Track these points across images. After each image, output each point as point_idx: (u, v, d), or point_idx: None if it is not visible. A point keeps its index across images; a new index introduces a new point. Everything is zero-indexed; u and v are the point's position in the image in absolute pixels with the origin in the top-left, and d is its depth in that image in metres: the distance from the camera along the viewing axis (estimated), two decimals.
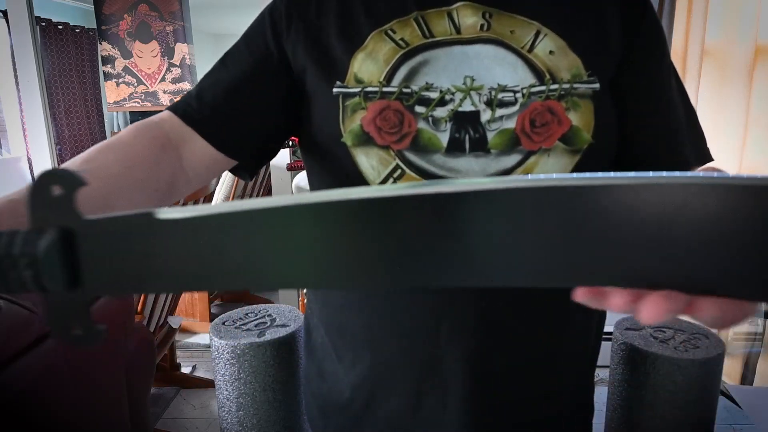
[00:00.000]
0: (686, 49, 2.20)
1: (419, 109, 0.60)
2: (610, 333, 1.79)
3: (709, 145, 0.69)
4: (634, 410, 1.69)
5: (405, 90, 0.60)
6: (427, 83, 0.60)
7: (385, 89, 0.60)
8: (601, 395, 1.91)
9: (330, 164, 0.64)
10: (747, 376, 2.47)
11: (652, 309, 0.25)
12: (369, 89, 0.61)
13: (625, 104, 0.64)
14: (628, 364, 1.68)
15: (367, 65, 0.61)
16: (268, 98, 0.66)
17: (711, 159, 0.68)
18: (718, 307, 0.24)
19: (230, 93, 0.65)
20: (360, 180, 0.61)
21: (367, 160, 0.61)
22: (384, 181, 0.60)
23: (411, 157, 0.60)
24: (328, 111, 0.62)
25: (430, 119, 0.60)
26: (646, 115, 0.65)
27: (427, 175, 0.60)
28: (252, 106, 0.66)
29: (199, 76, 5.20)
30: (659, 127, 0.66)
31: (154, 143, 0.60)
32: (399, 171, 0.60)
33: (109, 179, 0.52)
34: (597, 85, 0.61)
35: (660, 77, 0.66)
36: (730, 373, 2.46)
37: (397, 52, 0.61)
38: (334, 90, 0.62)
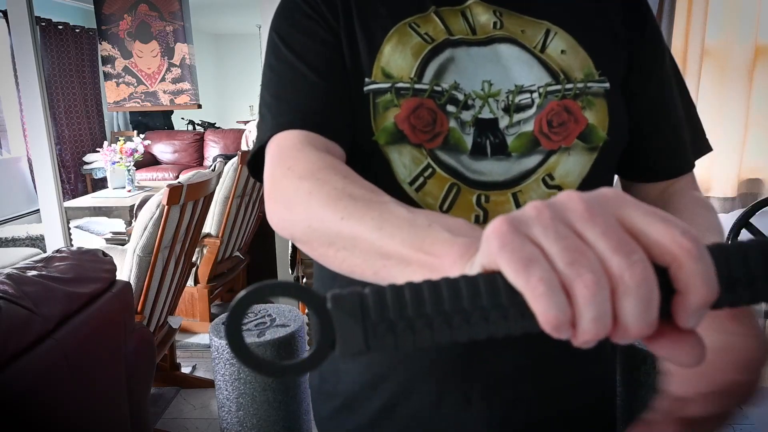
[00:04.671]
0: (686, 49, 2.20)
1: (450, 108, 0.60)
2: None
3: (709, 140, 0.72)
4: (634, 410, 1.69)
5: (436, 88, 0.60)
6: (455, 82, 0.60)
7: (416, 86, 0.60)
8: None
9: (357, 162, 0.62)
10: None
11: None
12: (400, 85, 0.60)
13: (632, 105, 0.66)
14: (628, 364, 1.68)
15: (396, 58, 0.61)
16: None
17: (709, 149, 0.71)
18: None
19: (329, 91, 0.61)
20: (390, 178, 0.60)
21: (400, 159, 0.60)
22: (414, 180, 0.60)
23: (442, 156, 0.60)
24: (357, 108, 0.61)
25: (458, 120, 0.60)
26: (650, 116, 0.67)
27: (456, 174, 0.60)
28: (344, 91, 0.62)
29: (200, 76, 5.11)
30: (661, 128, 0.68)
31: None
32: (430, 170, 0.60)
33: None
34: (607, 84, 0.62)
35: (663, 79, 0.68)
36: None
37: (425, 47, 0.61)
38: (365, 88, 0.61)
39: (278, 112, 0.59)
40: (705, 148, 0.70)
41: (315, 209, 0.46)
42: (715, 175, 2.31)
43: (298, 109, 0.58)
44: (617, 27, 0.65)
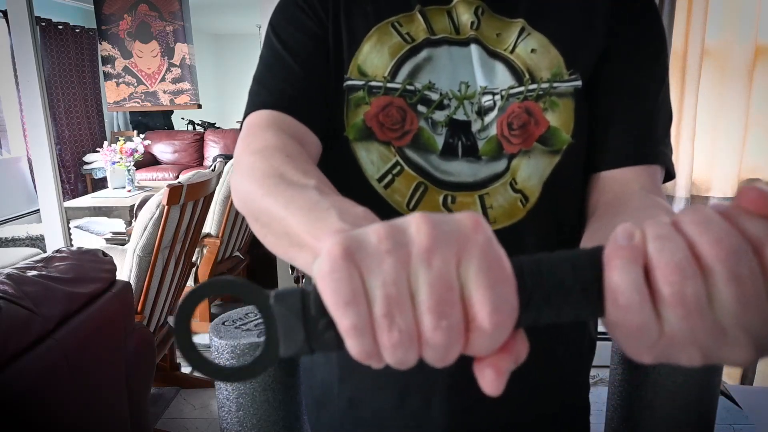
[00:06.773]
0: (686, 49, 2.20)
1: (421, 108, 0.61)
2: None
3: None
4: (634, 410, 1.69)
5: (409, 87, 0.61)
6: (430, 82, 0.61)
7: (389, 85, 0.61)
8: (601, 395, 1.91)
9: (330, 157, 0.64)
10: (747, 376, 2.47)
11: None
12: (373, 84, 0.61)
13: (603, 88, 0.62)
14: (628, 364, 1.68)
15: (372, 57, 0.62)
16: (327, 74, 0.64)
17: (663, 164, 0.62)
18: None
19: (308, 80, 0.63)
20: (358, 174, 0.61)
21: (367, 155, 0.61)
22: (383, 177, 0.61)
23: (411, 154, 0.61)
24: (334, 103, 0.62)
25: (429, 120, 0.61)
26: (620, 100, 0.62)
27: (424, 174, 0.61)
28: (323, 85, 0.63)
29: (200, 76, 5.12)
30: (630, 111, 0.62)
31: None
32: (398, 168, 0.61)
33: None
34: (579, 83, 0.61)
35: (645, 72, 0.63)
36: (730, 373, 2.46)
37: (403, 46, 0.62)
38: (342, 84, 0.62)
39: (256, 94, 0.62)
40: (644, 157, 0.61)
41: (248, 184, 0.48)
42: (715, 175, 2.31)
43: (273, 91, 0.61)
44: (600, 16, 0.62)
